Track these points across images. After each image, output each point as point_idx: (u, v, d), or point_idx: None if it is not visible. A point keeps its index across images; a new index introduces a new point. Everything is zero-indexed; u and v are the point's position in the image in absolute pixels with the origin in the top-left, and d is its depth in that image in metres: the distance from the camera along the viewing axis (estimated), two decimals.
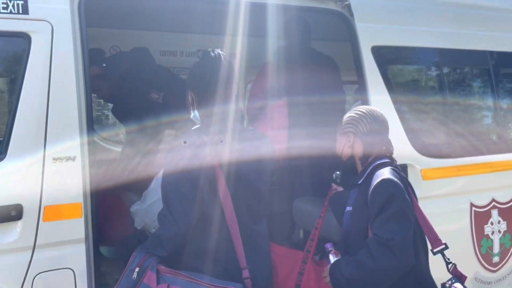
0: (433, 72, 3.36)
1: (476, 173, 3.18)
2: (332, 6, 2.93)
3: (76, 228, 2.12)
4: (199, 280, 1.92)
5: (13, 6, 2.06)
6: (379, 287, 1.95)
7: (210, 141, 2.01)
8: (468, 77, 3.51)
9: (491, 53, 3.46)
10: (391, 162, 2.12)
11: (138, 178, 2.89)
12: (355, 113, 2.16)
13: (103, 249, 2.98)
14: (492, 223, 3.25)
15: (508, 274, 3.36)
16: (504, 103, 3.52)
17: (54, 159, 2.07)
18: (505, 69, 3.63)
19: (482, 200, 3.21)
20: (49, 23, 2.14)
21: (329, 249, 2.18)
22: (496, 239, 3.26)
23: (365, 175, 2.10)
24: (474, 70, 3.53)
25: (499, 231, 3.28)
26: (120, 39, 3.57)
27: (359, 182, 2.11)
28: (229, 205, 2.01)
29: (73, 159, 2.10)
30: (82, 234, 2.13)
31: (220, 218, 2.01)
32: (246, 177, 2.09)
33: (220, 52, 2.18)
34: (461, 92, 3.41)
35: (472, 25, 3.39)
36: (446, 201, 3.08)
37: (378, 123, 2.14)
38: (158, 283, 1.92)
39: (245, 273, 1.98)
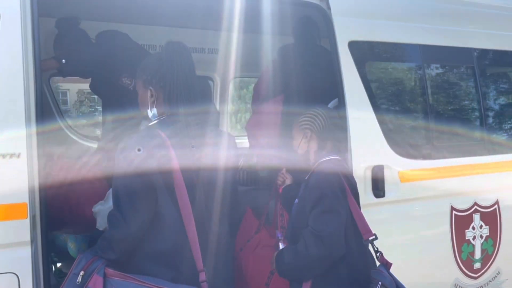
0: (413, 70, 3.22)
1: (457, 175, 3.07)
2: None
3: (21, 229, 1.99)
4: (150, 283, 1.83)
5: None
6: (313, 273, 2.16)
7: (169, 141, 1.90)
8: (451, 76, 3.37)
9: (476, 50, 3.33)
10: (338, 159, 2.31)
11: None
12: (312, 112, 2.36)
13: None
14: (473, 228, 3.13)
15: (490, 281, 3.25)
16: (488, 103, 3.40)
17: None
18: (490, 68, 3.51)
19: (463, 204, 3.09)
20: None
21: (279, 237, 2.38)
22: (477, 244, 3.15)
23: (311, 171, 2.28)
24: (458, 68, 3.39)
25: (481, 236, 3.17)
26: (87, 31, 3.40)
27: (306, 178, 2.29)
28: (187, 205, 1.91)
29: (18, 155, 1.97)
30: (27, 237, 2.01)
31: (177, 219, 1.91)
32: (206, 177, 2.00)
33: (183, 44, 2.06)
34: (443, 91, 3.28)
35: (455, 21, 3.27)
36: (425, 204, 2.98)
37: (332, 121, 2.35)
38: (104, 287, 1.80)
39: (202, 276, 1.90)
